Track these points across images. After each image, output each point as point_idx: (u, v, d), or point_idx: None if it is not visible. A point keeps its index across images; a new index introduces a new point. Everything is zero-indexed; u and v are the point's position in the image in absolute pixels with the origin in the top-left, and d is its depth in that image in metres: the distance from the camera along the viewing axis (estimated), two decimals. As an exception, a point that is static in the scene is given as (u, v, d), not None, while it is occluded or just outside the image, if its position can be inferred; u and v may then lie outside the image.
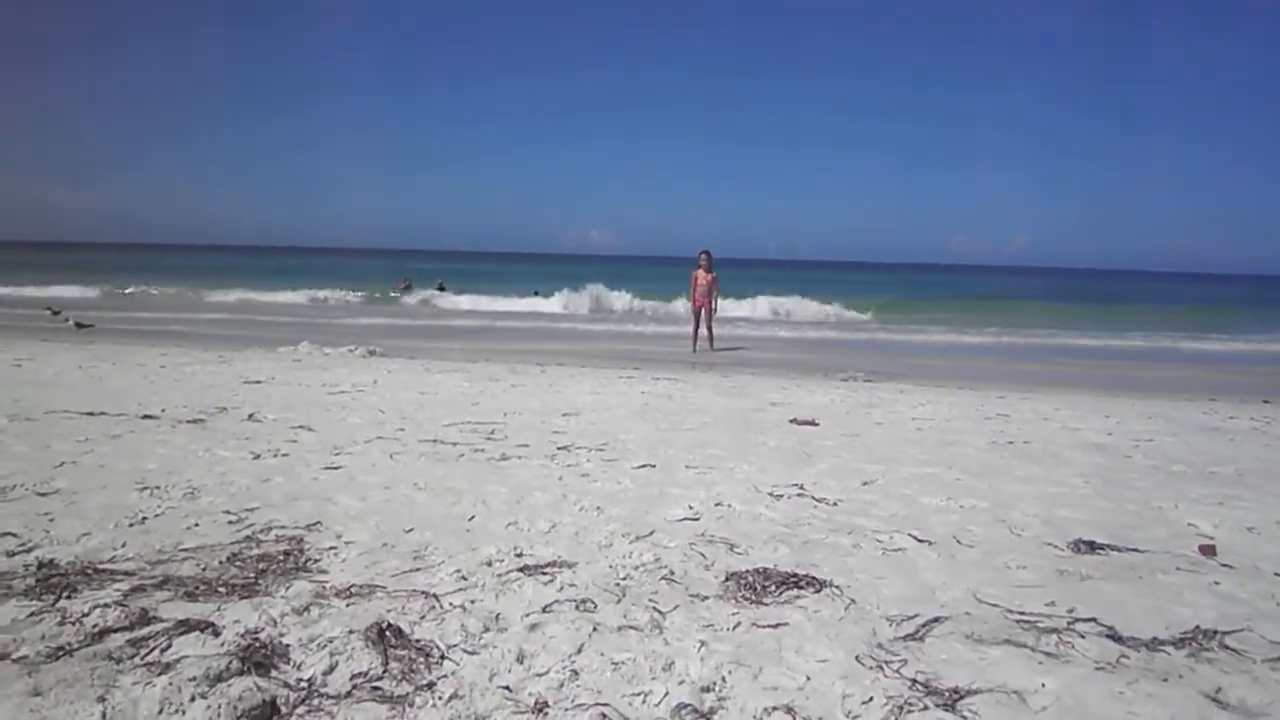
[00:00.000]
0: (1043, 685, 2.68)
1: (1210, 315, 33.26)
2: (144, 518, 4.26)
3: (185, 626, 2.95)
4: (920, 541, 4.21)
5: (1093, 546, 4.17)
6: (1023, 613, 3.28)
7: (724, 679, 2.72)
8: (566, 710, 2.52)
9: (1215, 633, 3.09)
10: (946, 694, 2.62)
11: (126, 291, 33.26)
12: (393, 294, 36.33)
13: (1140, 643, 3.01)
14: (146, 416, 7.15)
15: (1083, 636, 3.04)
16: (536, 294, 35.46)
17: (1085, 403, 10.50)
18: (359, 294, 35.10)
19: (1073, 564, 3.92)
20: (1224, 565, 3.96)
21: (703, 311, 17.36)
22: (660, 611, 3.23)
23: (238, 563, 3.64)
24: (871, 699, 2.59)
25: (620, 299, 33.28)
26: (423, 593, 3.36)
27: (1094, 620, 3.20)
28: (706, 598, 3.40)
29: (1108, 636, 3.05)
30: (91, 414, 7.14)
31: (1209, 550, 4.16)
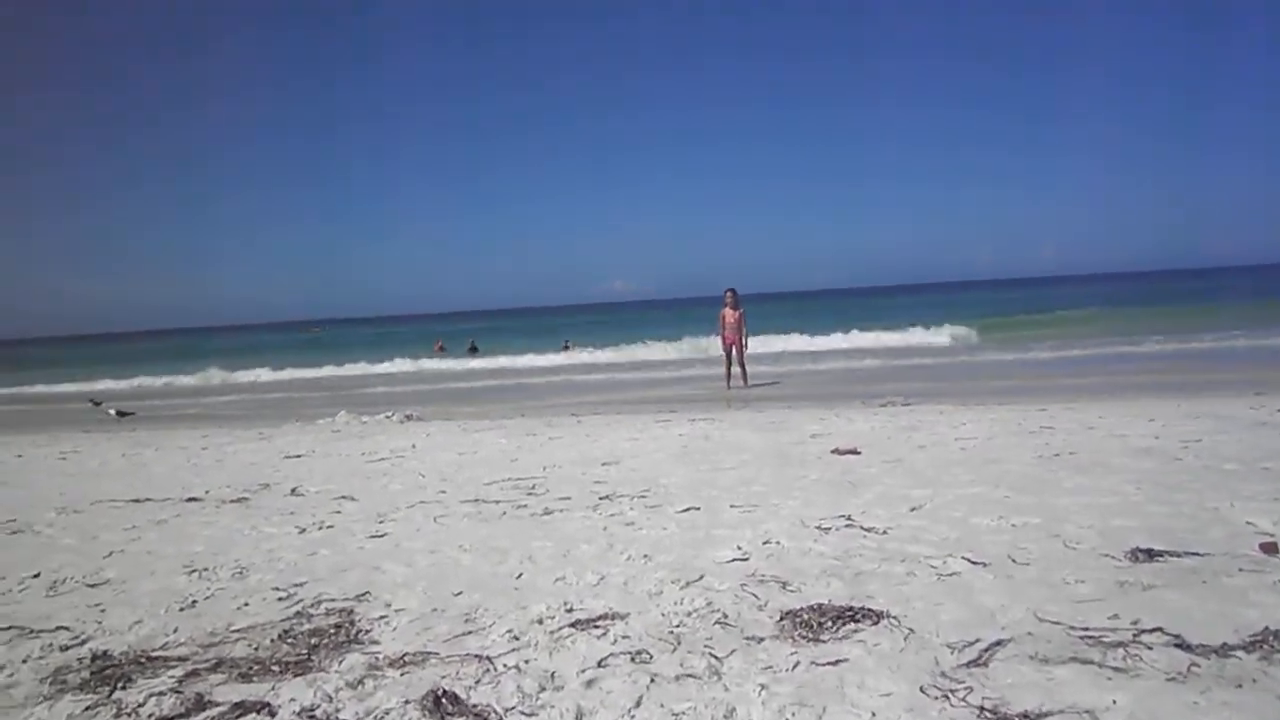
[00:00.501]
0: (1114, 702, 2.61)
1: (1264, 310, 32.57)
2: (194, 601, 4.28)
3: (241, 709, 2.95)
4: (975, 564, 4.13)
5: (1151, 554, 4.08)
6: (1086, 628, 3.21)
7: (787, 721, 2.67)
8: (629, 765, 2.49)
9: (1287, 634, 3.01)
10: (1017, 719, 2.56)
11: (165, 381, 33.62)
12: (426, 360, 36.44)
13: (1210, 649, 2.93)
14: (191, 499, 7.21)
15: (1150, 648, 2.97)
16: (567, 346, 35.68)
17: (1128, 408, 10.35)
18: (393, 362, 35.08)
19: (1132, 574, 3.84)
20: (1289, 563, 3.86)
21: (734, 349, 17.35)
22: (717, 657, 3.19)
23: (289, 639, 3.64)
24: (939, 730, 2.53)
25: (652, 346, 33.28)
26: (476, 656, 3.34)
27: (1160, 630, 3.13)
28: (763, 639, 3.35)
29: (1176, 646, 2.98)
30: (137, 501, 7.22)
31: (1270, 548, 4.06)
